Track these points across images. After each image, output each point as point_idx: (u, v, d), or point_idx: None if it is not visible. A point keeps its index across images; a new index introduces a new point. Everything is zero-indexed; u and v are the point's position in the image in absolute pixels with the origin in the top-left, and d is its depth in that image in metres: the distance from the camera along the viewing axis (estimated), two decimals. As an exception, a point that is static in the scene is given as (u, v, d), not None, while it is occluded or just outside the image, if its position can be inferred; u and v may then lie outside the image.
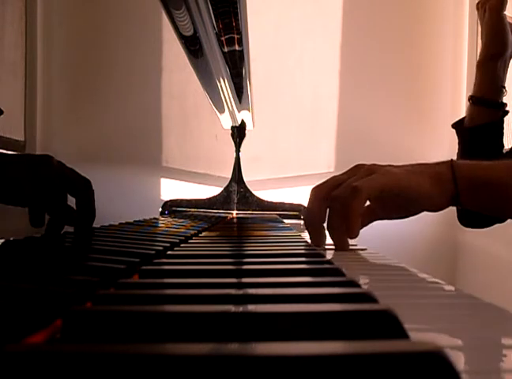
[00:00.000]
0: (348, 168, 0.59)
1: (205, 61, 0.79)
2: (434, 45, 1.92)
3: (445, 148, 1.91)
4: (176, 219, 0.90)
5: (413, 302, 0.28)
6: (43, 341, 0.18)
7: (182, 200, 1.28)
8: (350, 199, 0.52)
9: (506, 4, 0.78)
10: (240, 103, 1.05)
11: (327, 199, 0.55)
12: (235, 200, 1.24)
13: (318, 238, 0.56)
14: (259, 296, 0.22)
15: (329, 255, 0.50)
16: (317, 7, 1.90)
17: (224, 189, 1.26)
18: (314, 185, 0.59)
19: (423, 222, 1.55)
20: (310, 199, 0.57)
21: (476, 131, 0.80)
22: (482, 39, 0.81)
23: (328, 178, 0.58)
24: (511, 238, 1.37)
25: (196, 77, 0.91)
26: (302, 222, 0.60)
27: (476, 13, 0.83)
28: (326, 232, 0.56)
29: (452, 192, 0.55)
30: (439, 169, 0.55)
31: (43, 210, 0.56)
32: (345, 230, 0.52)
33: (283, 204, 1.23)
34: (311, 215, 0.57)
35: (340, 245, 0.54)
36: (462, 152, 0.83)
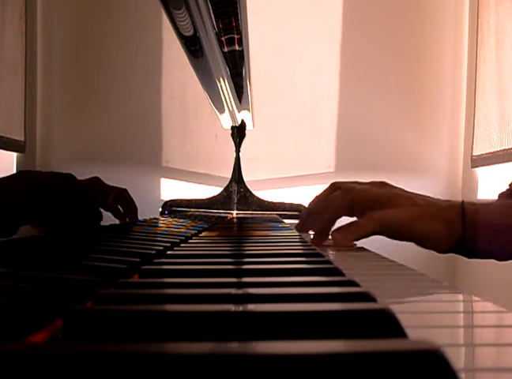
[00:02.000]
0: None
1: (205, 61, 0.79)
2: (435, 45, 1.93)
3: (445, 148, 1.91)
4: (176, 219, 0.90)
5: (411, 300, 0.28)
6: (43, 341, 0.18)
7: (182, 200, 1.28)
8: (363, 222, 0.56)
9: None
10: (240, 103, 1.05)
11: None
12: (235, 200, 1.24)
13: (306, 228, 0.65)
14: (259, 295, 0.22)
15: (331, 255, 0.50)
16: (317, 7, 1.90)
17: (224, 189, 1.26)
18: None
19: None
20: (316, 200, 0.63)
21: None
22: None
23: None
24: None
25: (196, 77, 0.91)
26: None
27: None
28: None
29: (460, 236, 0.56)
30: (450, 214, 0.56)
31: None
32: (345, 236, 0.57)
33: (283, 204, 1.23)
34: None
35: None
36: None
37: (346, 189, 0.58)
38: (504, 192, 0.65)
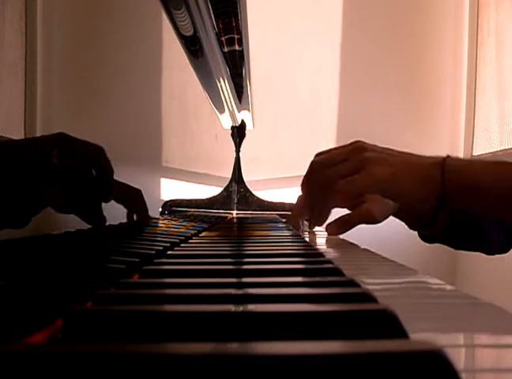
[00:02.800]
0: None
1: (205, 61, 0.79)
2: (435, 45, 1.92)
3: (445, 148, 1.91)
4: (176, 219, 0.90)
5: (412, 301, 0.28)
6: (43, 341, 0.18)
7: (182, 200, 1.28)
8: (327, 199, 0.59)
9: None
10: (240, 103, 1.05)
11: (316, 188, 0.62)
12: (235, 200, 1.24)
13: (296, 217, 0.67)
14: (259, 296, 0.22)
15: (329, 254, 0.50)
16: (317, 7, 1.90)
17: (224, 189, 1.26)
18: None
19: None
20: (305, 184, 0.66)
21: None
22: None
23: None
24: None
25: (196, 77, 0.91)
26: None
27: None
28: None
29: (439, 192, 0.56)
30: (429, 171, 0.57)
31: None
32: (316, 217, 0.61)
33: (283, 204, 1.23)
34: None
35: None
36: None
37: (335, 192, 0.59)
38: None
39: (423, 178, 0.57)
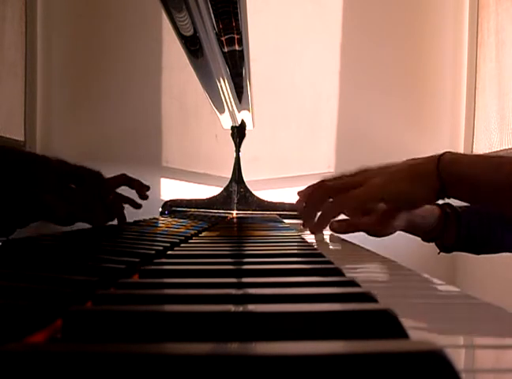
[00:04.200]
0: (347, 168, 0.65)
1: (205, 61, 0.79)
2: (435, 45, 1.92)
3: (445, 148, 1.91)
4: (176, 219, 0.90)
5: (411, 301, 0.28)
6: (43, 341, 0.18)
7: (182, 200, 1.28)
8: (330, 209, 0.64)
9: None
10: (240, 103, 1.05)
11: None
12: (235, 200, 1.24)
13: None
14: (259, 296, 0.22)
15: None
16: (317, 7, 1.90)
17: (224, 189, 1.26)
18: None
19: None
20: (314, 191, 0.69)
21: None
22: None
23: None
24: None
25: (196, 77, 0.91)
26: (302, 221, 0.72)
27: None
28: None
29: (438, 186, 0.57)
30: (425, 167, 0.58)
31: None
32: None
33: (283, 204, 1.23)
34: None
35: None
36: None
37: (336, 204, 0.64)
38: None
39: (419, 175, 0.58)
